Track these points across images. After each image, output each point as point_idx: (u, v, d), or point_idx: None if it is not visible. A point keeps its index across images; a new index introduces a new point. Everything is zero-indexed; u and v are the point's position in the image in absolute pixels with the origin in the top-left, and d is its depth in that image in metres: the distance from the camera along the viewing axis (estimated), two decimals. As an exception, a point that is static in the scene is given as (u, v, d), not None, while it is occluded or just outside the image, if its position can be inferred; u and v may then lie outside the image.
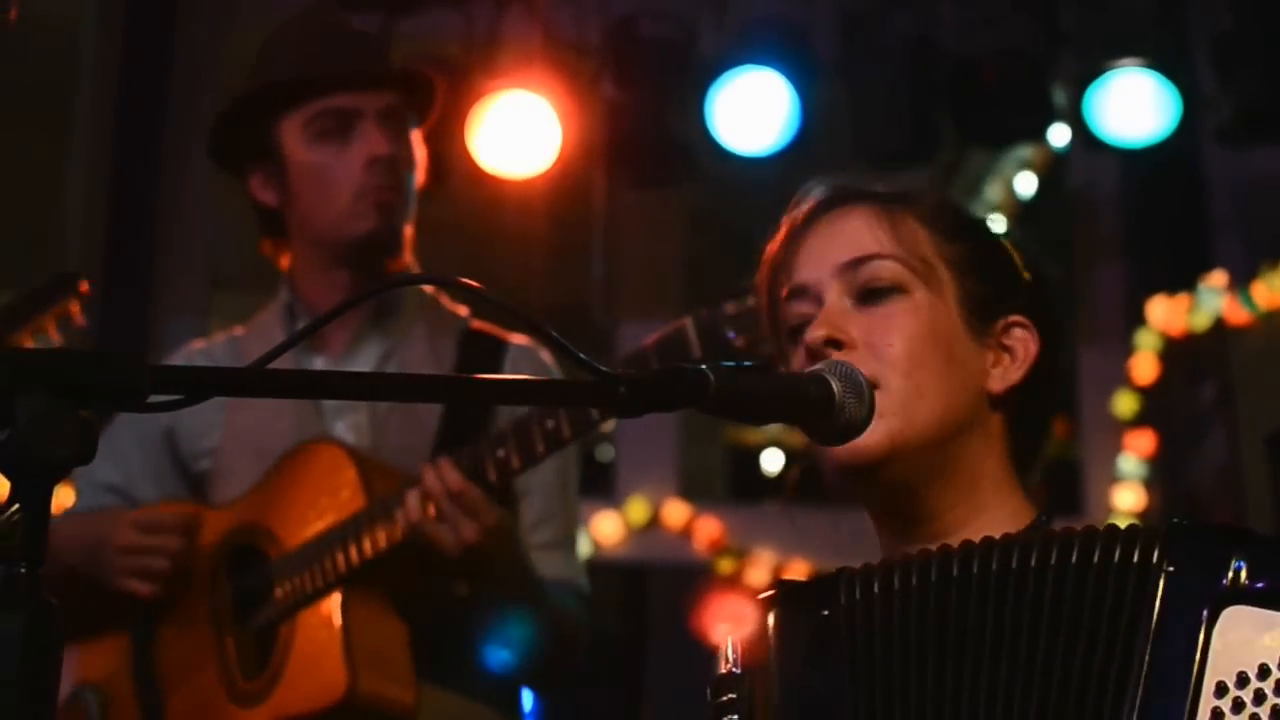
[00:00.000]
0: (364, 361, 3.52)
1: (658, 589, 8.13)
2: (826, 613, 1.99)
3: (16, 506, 1.47)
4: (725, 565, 7.81)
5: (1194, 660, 1.80)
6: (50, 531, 3.48)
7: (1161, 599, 1.84)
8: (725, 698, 2.02)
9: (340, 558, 3.20)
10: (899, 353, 2.13)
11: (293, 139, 3.49)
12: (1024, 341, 2.22)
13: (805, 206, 2.29)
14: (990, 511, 2.14)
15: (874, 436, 2.06)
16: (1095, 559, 1.88)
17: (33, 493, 1.48)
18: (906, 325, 2.15)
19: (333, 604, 3.22)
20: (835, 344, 2.14)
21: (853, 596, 1.99)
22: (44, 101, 7.57)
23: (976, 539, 1.98)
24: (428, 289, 3.62)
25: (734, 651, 2.04)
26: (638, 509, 7.91)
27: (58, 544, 3.40)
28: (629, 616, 8.39)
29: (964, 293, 2.20)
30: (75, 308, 3.48)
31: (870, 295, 2.18)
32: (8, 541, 1.46)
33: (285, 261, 3.60)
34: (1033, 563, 1.91)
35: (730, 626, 2.05)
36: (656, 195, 7.73)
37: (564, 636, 3.45)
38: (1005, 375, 2.20)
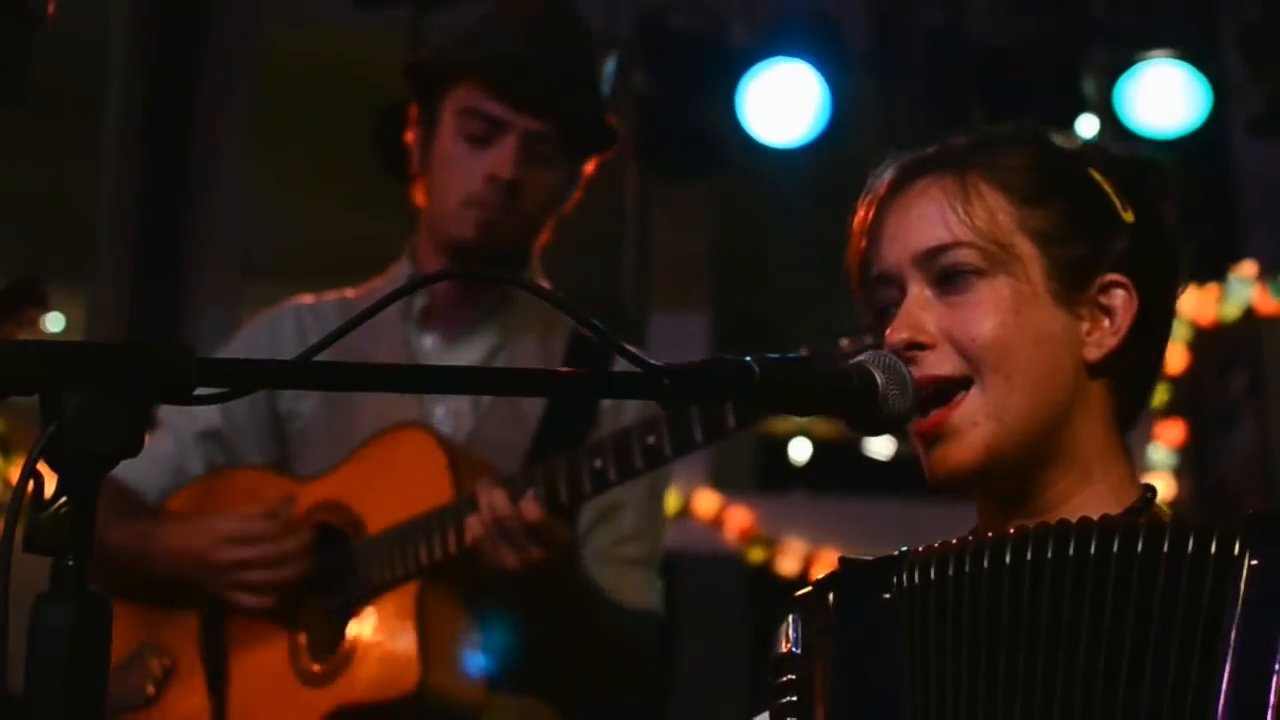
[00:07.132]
0: (472, 351, 3.52)
1: (688, 578, 8.14)
2: (887, 595, 1.93)
3: (64, 499, 1.47)
4: (755, 554, 7.81)
5: (1275, 654, 1.76)
6: (145, 536, 3.46)
7: (1244, 592, 1.79)
8: (784, 678, 1.97)
9: (421, 551, 3.19)
10: (984, 344, 2.03)
11: (446, 119, 3.46)
12: (1123, 301, 2.08)
13: (884, 179, 2.18)
14: (1095, 484, 2.08)
15: (969, 449, 2.03)
16: (1173, 549, 1.83)
17: (80, 485, 1.49)
18: (989, 314, 2.04)
19: (409, 595, 3.21)
20: (918, 346, 2.05)
21: (913, 579, 1.93)
22: (75, 94, 7.58)
23: (1074, 517, 1.90)
24: None
25: (794, 631, 1.98)
26: (668, 499, 7.92)
27: (153, 553, 3.41)
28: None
29: (1051, 262, 2.07)
30: (38, 316, 3.47)
31: (949, 282, 2.07)
32: (56, 534, 1.47)
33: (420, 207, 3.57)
34: (1114, 550, 1.84)
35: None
36: (687, 187, 7.73)
37: (620, 653, 3.44)
38: (1103, 341, 2.07)
